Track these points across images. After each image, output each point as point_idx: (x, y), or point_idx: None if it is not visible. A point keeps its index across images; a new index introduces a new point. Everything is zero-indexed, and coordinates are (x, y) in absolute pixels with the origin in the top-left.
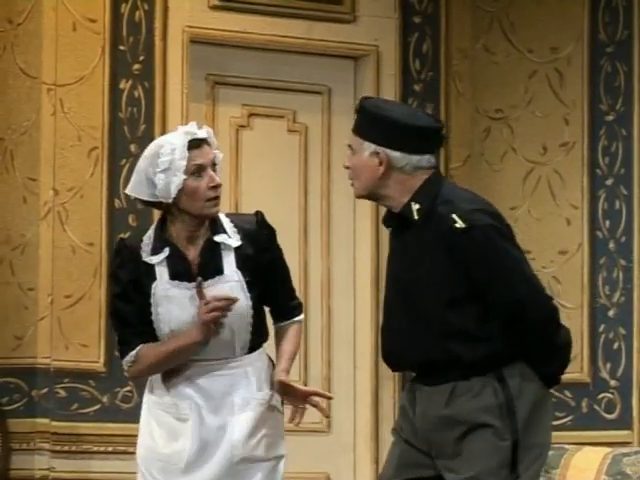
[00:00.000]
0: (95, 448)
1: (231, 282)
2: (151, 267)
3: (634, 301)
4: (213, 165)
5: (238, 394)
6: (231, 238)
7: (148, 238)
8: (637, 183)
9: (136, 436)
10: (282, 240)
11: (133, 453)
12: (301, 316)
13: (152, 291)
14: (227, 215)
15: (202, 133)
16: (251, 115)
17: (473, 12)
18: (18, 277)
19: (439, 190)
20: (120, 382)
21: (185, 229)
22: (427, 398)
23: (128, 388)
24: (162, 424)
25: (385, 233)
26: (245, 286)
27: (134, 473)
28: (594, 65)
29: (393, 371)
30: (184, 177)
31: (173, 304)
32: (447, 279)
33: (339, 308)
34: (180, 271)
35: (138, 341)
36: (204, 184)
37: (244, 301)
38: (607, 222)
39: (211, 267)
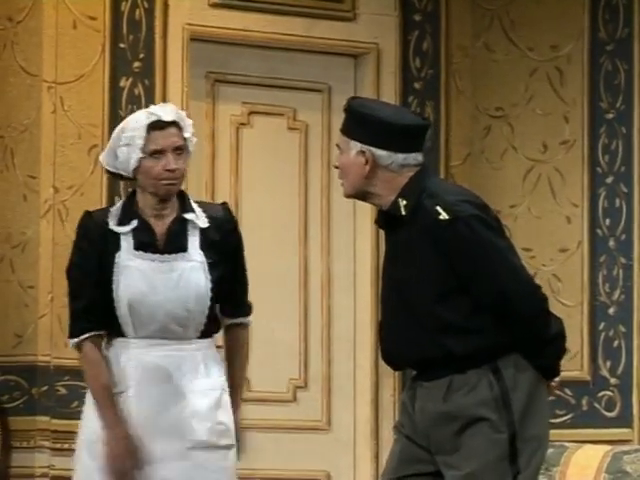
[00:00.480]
0: None
1: (193, 261)
2: (117, 237)
3: (634, 299)
4: (177, 149)
5: (189, 377)
6: (199, 219)
7: (116, 210)
8: (637, 181)
9: None
10: (282, 237)
11: None
12: (250, 318)
13: (115, 260)
14: (195, 201)
15: (168, 115)
16: (251, 113)
17: (473, 10)
18: (18, 275)
19: (425, 185)
20: None
21: (149, 205)
22: (426, 394)
23: None
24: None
25: None
26: (207, 267)
27: None
28: (594, 63)
29: (394, 370)
30: (141, 155)
31: (135, 274)
32: (435, 273)
33: (339, 306)
34: (145, 242)
35: (85, 326)
36: (160, 166)
37: (204, 282)
38: (607, 220)
39: (176, 243)
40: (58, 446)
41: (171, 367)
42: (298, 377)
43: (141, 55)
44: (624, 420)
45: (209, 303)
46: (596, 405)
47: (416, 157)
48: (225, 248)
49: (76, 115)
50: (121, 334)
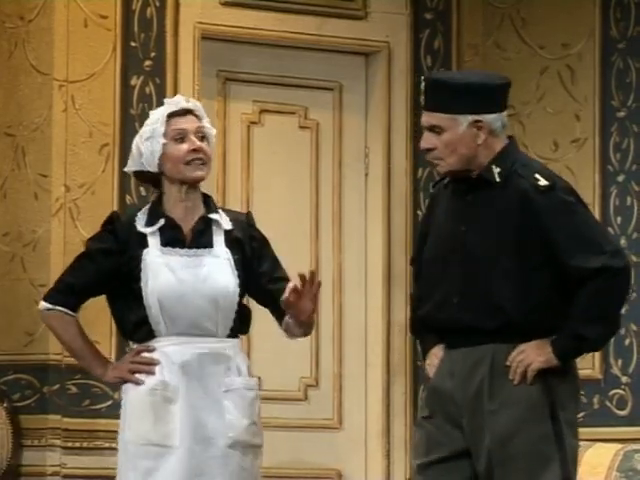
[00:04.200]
0: (107, 444)
1: (220, 258)
2: (144, 236)
3: None
4: (199, 134)
5: (225, 375)
6: (223, 220)
7: (143, 213)
8: None
9: None
10: (293, 236)
11: None
12: None
13: (142, 257)
14: (219, 207)
15: (186, 104)
16: (262, 111)
17: (484, 8)
18: (29, 273)
19: (517, 156)
20: None
21: (178, 200)
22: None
23: None
24: (148, 406)
25: (396, 230)
26: (233, 263)
27: None
28: (605, 61)
29: (418, 336)
30: (164, 141)
31: (163, 269)
32: (520, 242)
33: (350, 304)
34: (173, 239)
35: (63, 299)
36: (184, 147)
37: (231, 277)
38: (618, 219)
39: (203, 239)
40: (69, 444)
41: (207, 363)
42: (309, 375)
43: (152, 54)
44: (635, 418)
45: (237, 299)
46: (607, 404)
47: (506, 116)
48: (250, 246)
49: (87, 114)
50: (153, 336)
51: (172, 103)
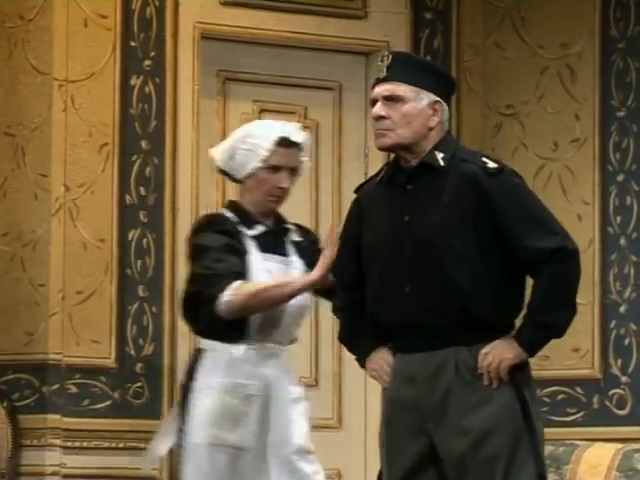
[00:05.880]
0: (106, 444)
1: (297, 268)
2: (246, 240)
3: None
4: (292, 169)
5: (290, 384)
6: (293, 231)
7: (234, 217)
8: None
9: (146, 432)
10: None
11: (144, 449)
12: None
13: (246, 261)
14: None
15: (297, 137)
16: (262, 111)
17: (484, 8)
18: (29, 273)
19: (458, 144)
20: (131, 378)
21: (254, 210)
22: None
23: (139, 384)
24: (227, 408)
25: None
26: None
27: (139, 469)
28: (605, 61)
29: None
30: (260, 165)
31: (265, 276)
32: (471, 225)
33: None
34: (270, 245)
35: (231, 281)
36: (273, 181)
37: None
38: (618, 218)
39: (281, 249)
40: (69, 444)
41: (280, 373)
42: (309, 375)
43: (152, 53)
44: (635, 418)
45: (307, 310)
46: (607, 403)
47: None
48: (314, 257)
49: (87, 113)
50: (238, 341)
51: (286, 131)
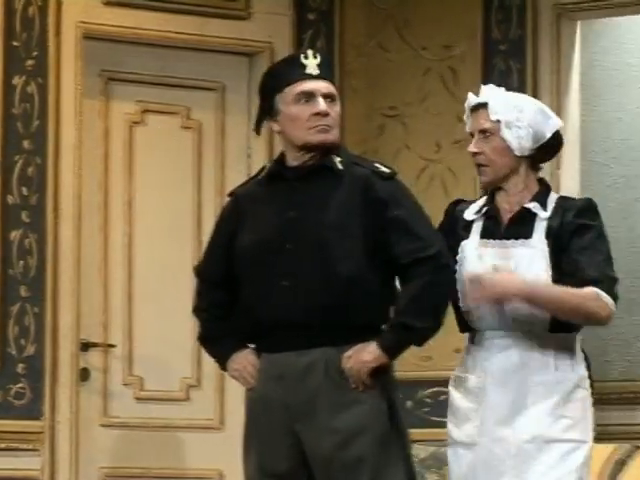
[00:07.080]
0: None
1: (536, 248)
2: (469, 225)
3: None
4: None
5: (532, 371)
6: (542, 208)
7: (477, 205)
8: None
9: (28, 433)
10: (176, 237)
11: (27, 450)
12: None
13: (460, 248)
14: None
15: (477, 99)
16: (145, 111)
17: (367, 9)
18: None
19: (351, 153)
20: (13, 379)
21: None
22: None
23: (20, 385)
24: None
25: None
26: (548, 255)
27: (28, 470)
28: (487, 63)
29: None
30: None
31: (477, 262)
32: (360, 228)
33: None
34: (490, 231)
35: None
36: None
37: (544, 270)
38: None
39: (521, 231)
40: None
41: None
42: (191, 376)
43: (34, 53)
44: None
45: None
46: None
47: None
48: (564, 233)
49: None
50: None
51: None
